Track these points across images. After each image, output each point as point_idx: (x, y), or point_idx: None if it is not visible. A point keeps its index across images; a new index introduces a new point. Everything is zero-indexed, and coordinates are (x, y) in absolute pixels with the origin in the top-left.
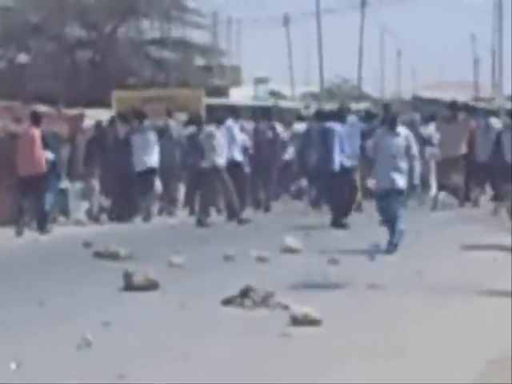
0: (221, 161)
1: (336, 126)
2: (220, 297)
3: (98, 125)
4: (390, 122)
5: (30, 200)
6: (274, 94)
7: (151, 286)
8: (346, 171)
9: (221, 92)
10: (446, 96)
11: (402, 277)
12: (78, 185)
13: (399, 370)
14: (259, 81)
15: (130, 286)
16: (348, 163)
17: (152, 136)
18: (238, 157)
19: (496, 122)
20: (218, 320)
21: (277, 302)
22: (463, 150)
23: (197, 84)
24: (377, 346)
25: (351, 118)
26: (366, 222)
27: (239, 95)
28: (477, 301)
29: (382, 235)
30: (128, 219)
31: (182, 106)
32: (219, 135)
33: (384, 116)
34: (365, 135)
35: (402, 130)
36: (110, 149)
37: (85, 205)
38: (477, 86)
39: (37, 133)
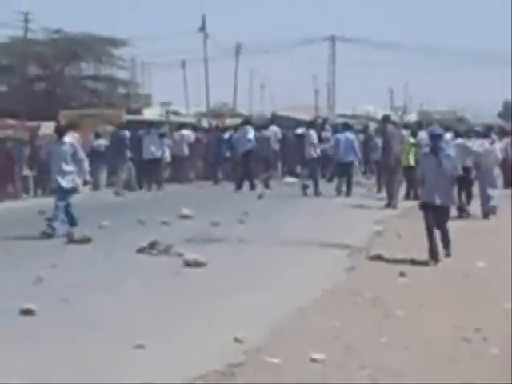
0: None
1: None
2: (135, 247)
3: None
4: (58, 132)
5: None
6: (174, 113)
7: (86, 240)
8: None
9: (136, 111)
10: (297, 115)
11: (263, 234)
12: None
13: (265, 297)
14: (163, 104)
15: (70, 240)
16: None
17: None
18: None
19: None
20: (133, 263)
21: (175, 251)
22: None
23: (120, 106)
24: (245, 280)
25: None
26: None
27: (150, 113)
28: (313, 250)
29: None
30: None
31: (109, 120)
32: None
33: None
34: None
35: (67, 138)
36: None
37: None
38: (317, 108)
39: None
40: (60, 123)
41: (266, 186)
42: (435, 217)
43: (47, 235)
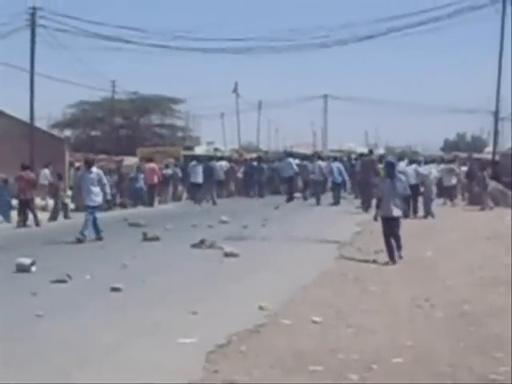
0: None
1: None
2: (190, 243)
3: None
4: (87, 164)
5: None
6: (216, 149)
7: (156, 238)
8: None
9: (190, 148)
10: (300, 150)
11: (278, 234)
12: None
13: (280, 277)
14: (209, 143)
15: (145, 238)
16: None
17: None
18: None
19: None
20: (189, 254)
21: (217, 246)
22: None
23: (178, 145)
24: (266, 265)
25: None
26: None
27: (199, 150)
28: (313, 245)
29: (270, 214)
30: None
31: (171, 155)
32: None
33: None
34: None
35: (94, 169)
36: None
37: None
38: (314, 144)
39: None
40: (88, 158)
41: (305, 198)
42: (390, 225)
43: (80, 241)
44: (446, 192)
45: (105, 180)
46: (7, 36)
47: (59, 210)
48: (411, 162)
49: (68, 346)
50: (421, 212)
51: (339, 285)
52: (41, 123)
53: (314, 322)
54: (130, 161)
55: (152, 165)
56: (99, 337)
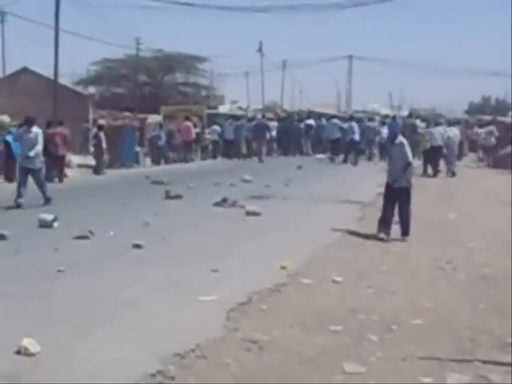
0: None
1: None
2: (212, 202)
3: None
4: (27, 123)
5: None
6: (240, 108)
7: (178, 196)
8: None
9: (213, 107)
10: (324, 110)
11: (301, 193)
12: (144, 149)
13: (302, 237)
14: (232, 102)
15: (168, 196)
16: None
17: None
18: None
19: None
20: (211, 212)
21: (239, 204)
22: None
23: (202, 103)
24: (288, 225)
25: None
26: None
27: (223, 109)
28: (335, 205)
29: (294, 174)
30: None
31: (195, 114)
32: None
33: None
34: None
35: (34, 129)
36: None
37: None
38: (339, 105)
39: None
40: (29, 116)
41: (356, 162)
42: (395, 196)
43: (18, 205)
44: (486, 152)
45: (40, 139)
46: None
47: (103, 165)
48: (436, 124)
49: (88, 301)
50: (443, 174)
51: (360, 246)
52: (64, 80)
53: (335, 282)
54: (154, 119)
55: (188, 123)
56: (119, 293)
